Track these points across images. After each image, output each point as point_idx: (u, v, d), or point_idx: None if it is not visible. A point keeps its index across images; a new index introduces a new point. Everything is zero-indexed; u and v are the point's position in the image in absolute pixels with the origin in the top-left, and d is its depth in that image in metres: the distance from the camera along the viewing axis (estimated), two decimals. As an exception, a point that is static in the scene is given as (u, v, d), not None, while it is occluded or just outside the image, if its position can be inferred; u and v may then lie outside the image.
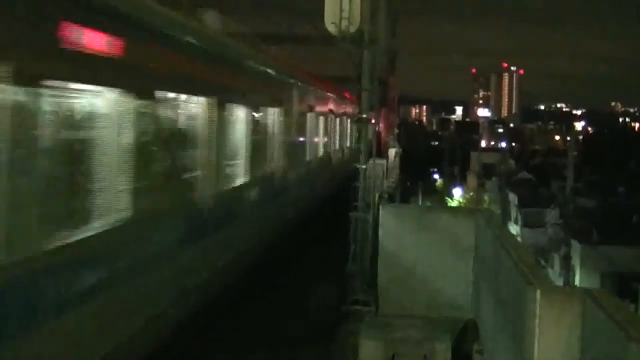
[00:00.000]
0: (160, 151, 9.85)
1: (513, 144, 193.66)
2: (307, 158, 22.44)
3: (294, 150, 19.54)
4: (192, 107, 11.11)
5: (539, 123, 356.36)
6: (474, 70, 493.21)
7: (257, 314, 14.42)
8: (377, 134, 34.15)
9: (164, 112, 9.90)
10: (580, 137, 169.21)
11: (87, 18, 7.57)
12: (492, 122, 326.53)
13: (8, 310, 6.47)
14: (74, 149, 7.64)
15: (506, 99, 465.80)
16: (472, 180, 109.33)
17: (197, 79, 11.32)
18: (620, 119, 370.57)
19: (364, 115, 16.04)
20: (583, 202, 60.51)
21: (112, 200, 8.27)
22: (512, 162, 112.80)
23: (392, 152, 38.12)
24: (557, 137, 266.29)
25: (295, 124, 19.59)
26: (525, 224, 68.79)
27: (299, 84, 20.52)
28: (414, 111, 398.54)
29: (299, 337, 13.64)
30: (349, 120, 34.85)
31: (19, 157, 6.46)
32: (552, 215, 62.27)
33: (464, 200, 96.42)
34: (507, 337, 9.06)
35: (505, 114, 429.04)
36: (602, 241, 51.86)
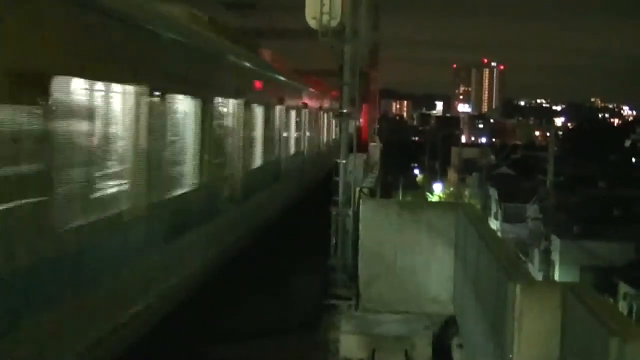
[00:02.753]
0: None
1: (494, 139, 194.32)
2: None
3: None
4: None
5: (520, 118, 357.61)
6: (454, 66, 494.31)
7: (238, 306, 14.41)
8: (358, 129, 33.68)
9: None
10: (560, 132, 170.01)
11: None
12: (472, 118, 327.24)
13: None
14: None
15: (487, 95, 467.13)
16: (452, 175, 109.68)
17: None
18: (600, 115, 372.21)
19: (345, 110, 16.01)
20: (564, 196, 60.77)
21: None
22: (492, 157, 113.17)
23: (372, 146, 38.10)
24: (538, 133, 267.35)
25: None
26: (505, 219, 68.98)
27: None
28: (395, 106, 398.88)
29: (278, 328, 13.64)
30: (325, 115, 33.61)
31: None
32: (532, 209, 62.46)
33: (445, 195, 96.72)
34: (487, 331, 9.06)
35: (486, 110, 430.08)
36: (583, 235, 52.08)
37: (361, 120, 40.37)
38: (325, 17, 15.02)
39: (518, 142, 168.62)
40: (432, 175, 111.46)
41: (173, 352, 11.22)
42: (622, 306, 42.77)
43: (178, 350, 11.45)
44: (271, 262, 17.24)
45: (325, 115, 33.96)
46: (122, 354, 9.04)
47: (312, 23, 15.19)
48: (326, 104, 34.04)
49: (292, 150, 23.39)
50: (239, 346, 12.82)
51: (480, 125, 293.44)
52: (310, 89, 28.67)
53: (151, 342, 10.06)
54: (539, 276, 46.75)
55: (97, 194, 8.68)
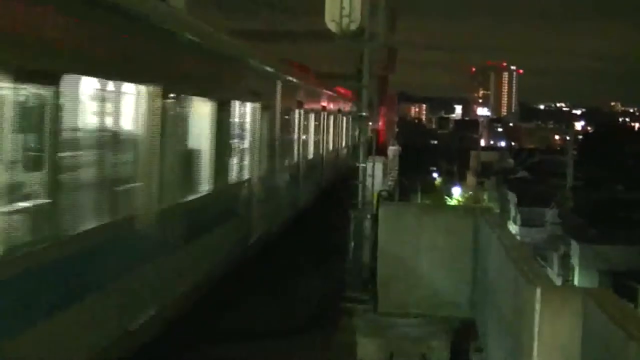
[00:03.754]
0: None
1: (512, 143, 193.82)
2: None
3: None
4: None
5: (539, 122, 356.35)
6: (473, 69, 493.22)
7: (254, 306, 14.41)
8: (377, 132, 33.26)
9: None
10: (580, 136, 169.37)
11: None
12: (491, 121, 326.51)
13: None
14: None
15: (505, 98, 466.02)
16: (471, 178, 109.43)
17: None
18: (620, 119, 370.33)
19: (363, 113, 16.01)
20: (582, 200, 60.51)
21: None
22: (511, 160, 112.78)
23: (391, 150, 38.07)
24: (557, 137, 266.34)
25: None
26: (524, 223, 68.73)
27: None
28: (413, 110, 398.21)
29: (296, 331, 13.63)
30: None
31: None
32: (551, 214, 62.21)
33: (463, 199, 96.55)
34: (505, 335, 9.03)
35: (505, 113, 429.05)
36: (600, 239, 51.79)
37: (379, 123, 40.18)
38: (345, 20, 15.02)
39: (537, 146, 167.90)
40: (450, 178, 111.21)
41: (179, 352, 11.23)
42: (642, 311, 42.52)
43: (184, 351, 11.44)
44: (286, 262, 17.26)
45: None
46: None
47: (332, 26, 15.18)
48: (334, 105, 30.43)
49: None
50: (251, 347, 12.79)
51: (499, 129, 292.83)
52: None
53: (159, 342, 10.06)
54: (558, 281, 46.55)
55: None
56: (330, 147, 29.48)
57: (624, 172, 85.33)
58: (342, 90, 33.92)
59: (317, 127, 25.32)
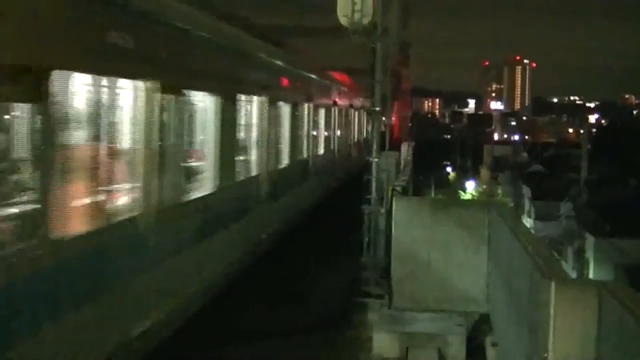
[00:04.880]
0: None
1: (526, 137, 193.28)
2: None
3: None
4: None
5: (552, 116, 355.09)
6: (486, 63, 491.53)
7: (267, 302, 14.40)
8: (390, 127, 32.88)
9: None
10: (594, 129, 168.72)
11: None
12: (505, 115, 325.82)
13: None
14: None
15: (519, 92, 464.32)
16: (485, 173, 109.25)
17: None
18: (634, 112, 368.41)
19: (377, 108, 15.99)
20: (596, 194, 60.26)
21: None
22: (524, 154, 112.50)
23: (405, 144, 38.03)
24: (571, 130, 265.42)
25: None
26: (538, 217, 68.53)
27: None
28: (427, 104, 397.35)
29: (310, 327, 13.62)
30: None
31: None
32: (565, 208, 62.04)
33: (477, 193, 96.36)
34: (521, 329, 9.02)
35: (518, 107, 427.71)
36: (614, 233, 51.55)
37: (393, 118, 40.02)
38: (357, 15, 15.01)
39: (551, 140, 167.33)
40: (464, 173, 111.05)
41: (194, 352, 11.21)
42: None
43: (199, 351, 11.43)
44: (299, 259, 17.25)
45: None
46: None
47: (344, 21, 15.18)
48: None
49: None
50: (262, 346, 12.76)
51: (513, 123, 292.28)
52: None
53: (174, 343, 10.06)
54: (572, 274, 46.42)
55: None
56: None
57: (638, 167, 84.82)
58: (338, 77, 31.89)
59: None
